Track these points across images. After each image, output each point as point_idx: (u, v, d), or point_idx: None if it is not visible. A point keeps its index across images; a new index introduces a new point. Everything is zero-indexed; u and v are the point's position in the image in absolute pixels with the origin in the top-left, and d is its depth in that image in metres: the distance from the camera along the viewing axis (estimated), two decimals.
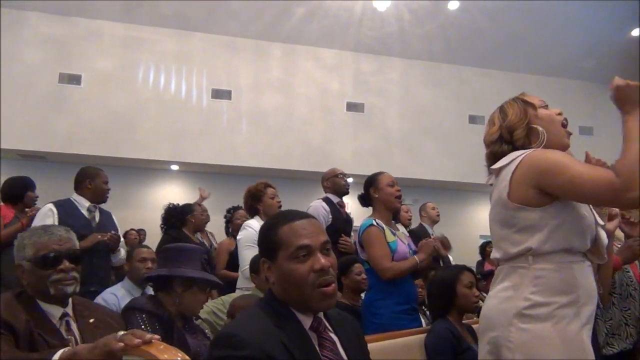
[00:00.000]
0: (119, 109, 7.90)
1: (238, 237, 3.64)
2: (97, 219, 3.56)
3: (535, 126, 1.73)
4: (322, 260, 1.37)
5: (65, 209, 3.41)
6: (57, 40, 7.85)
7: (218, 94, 8.39)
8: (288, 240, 1.39)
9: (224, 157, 8.20)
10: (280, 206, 3.70)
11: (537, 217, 1.60)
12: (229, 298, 3.10)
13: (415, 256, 2.87)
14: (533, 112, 1.77)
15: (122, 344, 1.39)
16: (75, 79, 7.85)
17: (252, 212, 3.75)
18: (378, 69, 9.17)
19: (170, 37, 8.31)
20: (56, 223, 3.20)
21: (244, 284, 3.45)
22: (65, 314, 1.85)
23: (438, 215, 5.41)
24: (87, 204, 3.53)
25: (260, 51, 8.67)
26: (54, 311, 1.83)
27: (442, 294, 2.56)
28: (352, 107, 8.94)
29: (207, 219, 4.92)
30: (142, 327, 2.05)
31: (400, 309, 2.80)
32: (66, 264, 1.84)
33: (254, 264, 3.08)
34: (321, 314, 1.45)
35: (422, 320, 3.34)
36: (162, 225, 4.67)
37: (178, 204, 4.74)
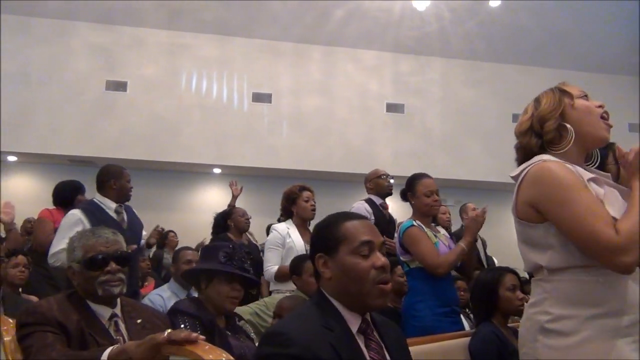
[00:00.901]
0: (163, 114, 8.08)
1: (266, 241, 3.70)
2: (125, 219, 3.51)
3: (565, 124, 1.59)
4: (382, 258, 1.41)
5: (94, 214, 3.34)
6: (104, 49, 8.11)
7: (259, 98, 8.48)
8: (352, 235, 1.42)
9: (265, 160, 8.28)
10: (314, 209, 3.69)
11: (541, 234, 1.52)
12: (271, 299, 3.14)
13: (460, 242, 2.81)
14: (569, 101, 1.62)
15: (166, 335, 1.44)
16: (121, 86, 8.08)
17: (287, 215, 3.76)
18: (418, 69, 9.08)
19: (211, 43, 8.45)
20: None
21: (274, 286, 3.49)
22: (114, 315, 1.90)
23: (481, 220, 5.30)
24: (113, 205, 3.46)
25: (299, 54, 8.72)
26: (103, 312, 1.89)
27: (484, 297, 2.51)
28: (392, 108, 8.88)
29: (248, 222, 4.97)
30: (185, 329, 2.09)
31: (441, 311, 2.76)
32: (113, 265, 1.90)
33: (295, 266, 3.11)
34: (368, 316, 1.46)
35: (466, 323, 3.30)
36: (212, 232, 4.83)
37: (222, 211, 4.89)
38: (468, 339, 2.44)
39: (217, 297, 2.26)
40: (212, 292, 2.26)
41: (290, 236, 3.51)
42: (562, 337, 1.45)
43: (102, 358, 1.55)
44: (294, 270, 3.11)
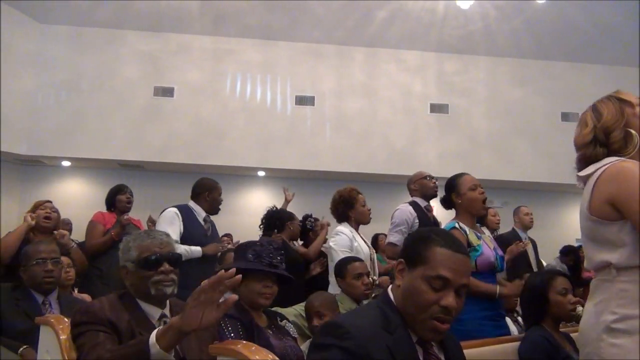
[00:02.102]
0: (209, 119, 8.23)
1: (330, 244, 3.64)
2: (210, 230, 3.76)
3: (630, 130, 1.60)
4: (451, 299, 1.35)
5: (187, 214, 3.62)
6: (151, 56, 8.33)
7: (302, 101, 8.53)
8: (434, 263, 1.37)
9: (308, 163, 8.32)
10: (370, 214, 3.69)
11: (615, 231, 1.51)
12: None
13: (498, 287, 2.71)
14: (630, 110, 1.63)
15: (206, 282, 1.49)
16: (168, 92, 8.28)
17: (341, 218, 3.72)
18: (462, 69, 8.94)
19: (255, 47, 8.56)
20: (181, 227, 3.44)
21: (336, 290, 3.44)
22: (163, 315, 1.95)
23: (531, 222, 5.16)
24: (203, 214, 3.73)
25: (342, 56, 8.73)
26: (154, 312, 1.93)
27: (533, 301, 2.43)
28: (436, 108, 8.77)
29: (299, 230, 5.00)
30: (225, 331, 2.11)
31: (484, 315, 2.69)
32: (166, 266, 1.94)
33: (339, 269, 3.10)
34: None
35: (514, 328, 3.22)
36: (261, 227, 4.77)
37: (278, 208, 4.87)
38: (517, 343, 2.37)
39: (249, 295, 2.29)
40: (245, 290, 2.29)
41: (355, 240, 3.49)
42: (629, 336, 1.45)
43: (150, 339, 1.58)
44: (338, 272, 3.11)
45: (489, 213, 4.85)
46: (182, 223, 3.53)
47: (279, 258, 2.39)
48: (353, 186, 3.77)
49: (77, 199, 8.23)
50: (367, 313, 1.43)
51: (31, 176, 8.46)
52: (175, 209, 3.63)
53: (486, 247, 2.80)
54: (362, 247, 3.45)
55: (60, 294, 2.76)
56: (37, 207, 3.73)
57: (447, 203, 3.00)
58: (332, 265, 3.49)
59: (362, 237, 3.67)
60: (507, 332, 2.89)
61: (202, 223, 3.69)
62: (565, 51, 8.74)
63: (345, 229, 3.58)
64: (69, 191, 8.55)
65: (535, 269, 4.85)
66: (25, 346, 2.27)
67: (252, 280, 2.30)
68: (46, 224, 3.63)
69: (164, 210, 3.75)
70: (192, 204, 3.78)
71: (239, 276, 1.52)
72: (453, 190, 2.92)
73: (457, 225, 2.80)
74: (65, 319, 1.98)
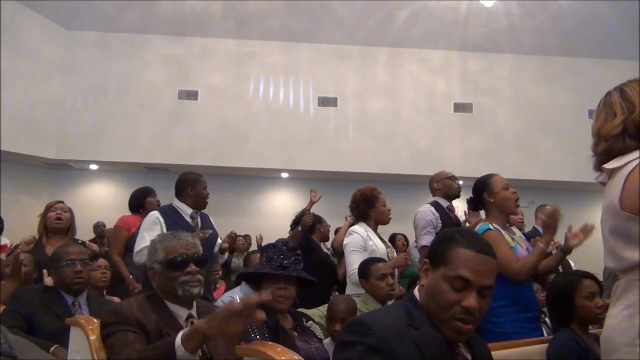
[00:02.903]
0: (233, 121, 8.30)
1: (344, 243, 3.64)
2: (199, 224, 3.63)
3: None
4: (472, 300, 1.34)
5: (170, 216, 3.50)
6: (176, 60, 8.43)
7: (324, 102, 8.54)
8: (456, 263, 1.37)
9: (332, 164, 8.32)
10: (390, 214, 3.67)
11: None
12: None
13: (538, 242, 2.65)
14: None
15: (239, 304, 1.50)
16: (192, 95, 8.37)
17: (362, 217, 3.70)
18: (486, 67, 8.85)
19: (277, 49, 8.60)
20: (164, 230, 3.32)
21: (353, 290, 3.41)
22: (190, 315, 1.96)
23: (557, 224, 5.07)
24: (189, 210, 3.60)
25: (365, 57, 8.71)
26: (181, 312, 1.95)
27: (559, 305, 2.36)
28: (460, 107, 8.69)
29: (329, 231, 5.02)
30: (252, 333, 2.12)
31: (522, 317, 2.63)
32: (192, 267, 1.96)
33: (363, 270, 3.09)
34: None
35: (543, 330, 3.15)
36: (291, 230, 4.84)
37: (310, 213, 4.93)
38: (545, 345, 2.32)
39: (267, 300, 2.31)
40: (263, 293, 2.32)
41: (371, 239, 3.47)
42: None
43: (176, 342, 1.60)
44: (362, 273, 3.10)
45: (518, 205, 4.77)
46: (164, 226, 3.38)
47: (293, 259, 2.37)
48: (375, 186, 3.74)
49: (104, 202, 8.37)
50: (391, 311, 1.44)
51: (59, 179, 8.64)
52: (156, 212, 3.53)
53: (520, 247, 2.74)
54: (379, 247, 3.42)
55: (90, 295, 2.80)
56: (48, 209, 3.71)
57: (475, 203, 2.95)
58: (348, 263, 3.49)
59: (379, 237, 3.65)
60: (543, 334, 2.82)
61: (189, 220, 3.57)
62: (591, 47, 8.59)
63: (359, 228, 3.56)
64: (96, 194, 8.70)
65: (560, 268, 4.76)
66: (56, 345, 2.31)
67: (267, 283, 2.31)
68: (58, 225, 3.63)
69: (147, 215, 3.67)
70: (176, 202, 3.65)
71: (269, 297, 1.56)
72: (484, 190, 2.87)
73: (491, 226, 2.75)
74: (95, 320, 2.01)
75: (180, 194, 3.68)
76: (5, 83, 7.29)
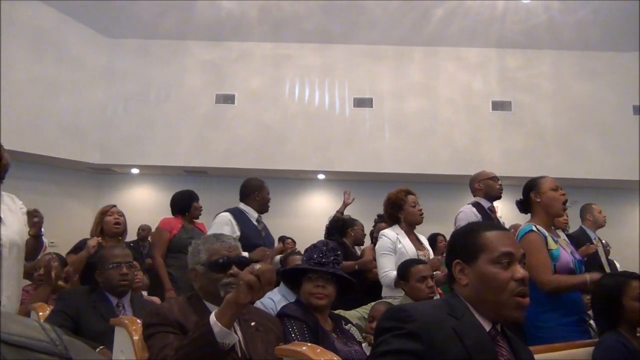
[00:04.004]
0: (270, 124, 8.37)
1: (376, 247, 3.66)
2: (264, 230, 3.80)
3: None
4: (522, 270, 1.40)
5: (240, 218, 3.66)
6: (213, 64, 8.57)
7: (360, 103, 8.53)
8: (493, 245, 1.43)
9: (368, 165, 8.29)
10: (422, 214, 3.63)
11: None
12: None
13: (588, 274, 2.56)
14: None
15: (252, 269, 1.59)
16: (229, 99, 8.48)
17: (392, 220, 3.70)
18: (525, 64, 8.66)
19: (313, 51, 8.64)
20: (236, 231, 3.49)
21: (387, 293, 3.42)
22: None
23: (604, 220, 4.93)
24: (255, 214, 3.77)
25: (400, 57, 8.66)
26: None
27: (607, 306, 2.28)
28: (499, 105, 8.54)
29: (364, 237, 5.04)
30: (292, 334, 2.14)
31: (568, 321, 2.55)
32: (234, 269, 1.99)
33: (403, 271, 3.08)
34: (498, 327, 1.44)
35: (590, 333, 3.07)
36: (326, 234, 4.93)
37: (343, 217, 5.01)
38: (590, 348, 2.25)
39: (304, 296, 2.34)
40: (302, 291, 2.34)
41: (400, 242, 3.46)
42: None
43: (211, 319, 1.66)
44: (402, 275, 3.09)
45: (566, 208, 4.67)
46: (237, 227, 3.55)
47: (332, 258, 2.39)
48: (404, 187, 3.71)
49: (146, 205, 8.57)
50: (432, 303, 1.51)
51: (104, 184, 8.89)
52: (228, 214, 3.66)
53: (563, 251, 2.67)
54: (408, 249, 3.41)
55: (133, 296, 2.87)
56: (104, 213, 3.83)
57: (523, 205, 2.89)
58: (379, 266, 3.51)
59: (418, 238, 3.63)
60: (590, 337, 2.74)
61: (256, 224, 3.72)
62: (635, 41, 8.30)
63: (390, 231, 3.55)
64: (138, 197, 8.91)
65: (607, 270, 4.62)
66: (101, 347, 2.38)
67: (306, 281, 2.34)
68: (117, 229, 3.76)
69: (216, 216, 3.78)
70: (242, 206, 3.79)
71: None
72: (532, 190, 2.81)
73: (534, 228, 2.68)
74: (138, 321, 2.07)
75: (246, 198, 3.84)
76: (52, 91, 7.56)
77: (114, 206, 3.93)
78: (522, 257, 1.45)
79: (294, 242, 7.25)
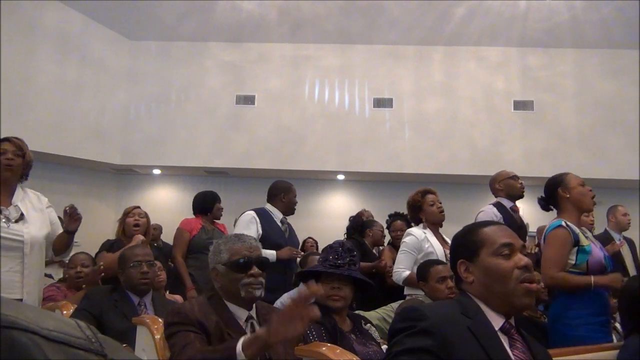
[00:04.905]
0: (289, 124, 8.39)
1: (402, 242, 3.66)
2: (287, 231, 3.86)
3: None
4: (525, 258, 1.44)
5: (264, 218, 3.74)
6: (233, 65, 8.61)
7: (379, 103, 8.50)
8: (491, 238, 1.48)
9: (388, 165, 8.26)
10: (442, 211, 3.61)
11: None
12: (397, 305, 3.12)
13: (593, 277, 2.55)
14: None
15: (291, 303, 1.57)
16: (249, 100, 8.52)
17: (415, 221, 3.71)
18: (548, 63, 8.54)
19: (333, 52, 8.63)
20: (259, 229, 3.57)
21: (408, 291, 3.44)
22: (250, 317, 2.00)
23: (629, 223, 4.84)
24: (280, 215, 3.84)
25: (420, 56, 8.61)
26: (241, 314, 2.00)
27: (632, 308, 2.24)
28: (520, 105, 8.43)
29: (384, 238, 5.03)
30: (310, 336, 2.14)
31: (596, 321, 2.52)
32: (255, 269, 2.00)
33: (422, 272, 3.06)
34: (512, 321, 1.45)
35: (612, 336, 3.02)
36: (346, 233, 4.98)
37: (363, 216, 5.05)
38: (615, 352, 2.22)
39: (321, 298, 2.32)
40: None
41: (428, 241, 3.45)
42: None
43: (237, 347, 1.64)
44: (421, 275, 3.07)
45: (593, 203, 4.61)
46: (260, 226, 3.63)
47: (348, 259, 2.37)
48: (423, 188, 3.71)
49: (167, 205, 8.65)
50: (444, 303, 1.53)
51: (125, 184, 9.00)
52: (253, 212, 3.75)
53: (595, 247, 2.65)
54: (436, 248, 3.40)
55: (154, 295, 2.90)
56: (126, 214, 3.89)
57: (546, 202, 2.85)
58: (396, 261, 3.53)
59: (443, 238, 3.62)
60: (612, 340, 2.71)
61: (280, 225, 3.79)
62: None
63: (417, 230, 3.55)
64: (159, 198, 9.00)
65: (633, 272, 4.54)
66: (124, 345, 2.41)
67: (323, 282, 2.34)
68: (136, 231, 3.79)
69: (242, 214, 3.85)
70: (268, 206, 3.87)
71: (322, 291, 1.59)
72: (559, 185, 2.77)
73: (563, 223, 2.65)
74: (160, 320, 2.09)
75: (273, 199, 3.92)
76: (74, 93, 7.67)
77: (137, 207, 3.98)
78: (523, 248, 1.49)
79: (315, 242, 7.25)
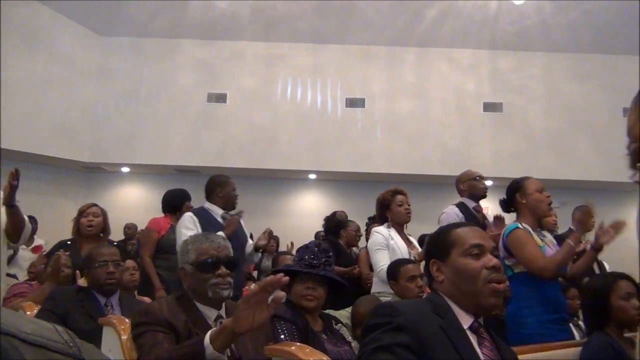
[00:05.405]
0: (262, 123, 8.36)
1: (368, 244, 3.68)
2: None
3: None
4: (494, 259, 1.46)
5: (203, 217, 3.60)
6: (205, 63, 8.54)
7: (352, 103, 8.53)
8: (462, 239, 1.50)
9: (360, 165, 8.30)
10: (408, 213, 3.64)
11: None
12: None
13: (568, 240, 2.65)
14: None
15: (255, 287, 1.57)
16: (221, 98, 8.46)
17: (382, 220, 3.73)
18: (517, 66, 8.70)
19: (306, 51, 8.63)
20: (199, 230, 3.41)
21: (380, 288, 3.44)
22: (219, 316, 1.98)
23: (593, 224, 4.97)
24: (220, 211, 3.69)
25: (393, 57, 8.67)
26: (210, 313, 1.98)
27: (594, 306, 2.31)
28: (490, 107, 8.57)
29: (359, 239, 5.04)
30: (281, 334, 2.14)
31: (549, 319, 2.61)
32: (223, 269, 1.98)
33: (392, 271, 3.09)
34: (481, 320, 1.48)
35: (576, 333, 3.10)
36: (322, 233, 4.96)
37: (338, 216, 5.05)
38: (578, 349, 2.27)
39: (295, 297, 2.33)
40: (292, 292, 2.34)
41: (392, 238, 3.49)
42: None
43: (205, 341, 1.63)
44: (391, 275, 3.09)
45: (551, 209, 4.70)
46: (198, 225, 3.49)
47: (324, 260, 2.37)
48: (393, 187, 3.75)
49: (136, 204, 8.53)
50: (416, 302, 1.57)
51: (94, 182, 8.83)
52: (190, 213, 3.65)
53: (549, 249, 2.73)
54: (400, 246, 3.44)
55: (122, 295, 2.85)
56: (81, 214, 3.71)
57: (507, 205, 2.93)
58: (374, 262, 3.54)
59: (407, 237, 3.66)
60: (572, 336, 2.79)
61: (221, 221, 3.64)
62: (627, 44, 8.35)
63: (382, 228, 3.60)
64: (128, 196, 8.87)
65: (597, 271, 4.65)
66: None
67: (296, 282, 2.33)
68: (89, 231, 3.64)
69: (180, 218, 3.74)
70: (207, 204, 3.75)
71: (287, 278, 1.57)
72: (518, 191, 2.85)
73: (520, 225, 2.73)
74: (126, 320, 2.05)
75: (210, 195, 3.78)
76: (42, 89, 7.50)
77: (93, 205, 3.78)
78: (493, 249, 1.51)
79: (276, 240, 7.24)
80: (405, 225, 3.69)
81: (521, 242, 2.66)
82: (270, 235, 3.82)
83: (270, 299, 1.55)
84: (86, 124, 8.12)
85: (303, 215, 8.67)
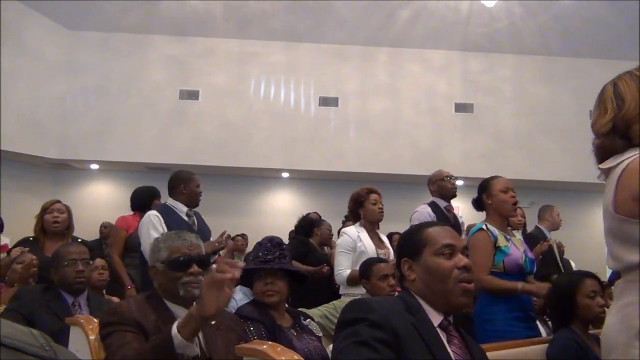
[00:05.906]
0: (234, 121, 8.30)
1: (337, 244, 3.69)
2: (196, 223, 3.62)
3: None
4: (465, 259, 1.49)
5: (167, 215, 3.49)
6: (177, 60, 8.44)
7: (325, 102, 8.54)
8: (434, 239, 1.52)
9: (333, 164, 8.32)
10: (381, 212, 3.67)
11: None
12: (340, 302, 3.15)
13: (520, 283, 2.67)
14: None
15: (213, 270, 1.56)
16: (193, 95, 8.37)
17: (355, 218, 3.74)
18: (488, 67, 8.84)
19: (279, 50, 8.59)
20: (165, 228, 3.32)
21: (344, 290, 3.49)
22: None
23: (561, 222, 5.11)
24: (184, 209, 3.58)
25: (366, 57, 8.71)
26: (181, 312, 1.95)
27: (561, 304, 2.38)
28: (461, 107, 8.68)
29: (331, 237, 5.07)
30: (250, 335, 2.14)
31: (515, 316, 2.67)
32: (195, 267, 1.96)
33: (364, 270, 3.11)
34: (451, 318, 1.50)
35: (542, 330, 3.17)
36: (293, 232, 4.97)
37: (311, 216, 5.07)
38: (545, 345, 2.33)
39: (257, 295, 2.36)
40: (254, 291, 2.39)
41: (361, 240, 3.51)
42: None
43: (172, 331, 1.61)
44: (363, 274, 3.11)
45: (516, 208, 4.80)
46: (164, 224, 3.37)
47: (278, 253, 2.39)
48: (368, 186, 3.77)
49: (106, 202, 8.39)
50: (389, 299, 1.58)
51: (62, 179, 8.64)
52: (153, 212, 3.53)
53: (514, 248, 2.78)
54: (368, 247, 3.47)
55: (90, 294, 2.81)
56: (44, 210, 3.64)
57: (478, 204, 2.99)
58: (335, 264, 3.57)
59: (379, 236, 3.69)
60: (538, 334, 2.85)
61: (186, 218, 3.55)
62: (594, 48, 8.57)
63: (351, 229, 3.62)
64: (98, 194, 8.72)
65: (562, 270, 4.77)
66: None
67: (256, 281, 2.35)
68: (55, 228, 3.59)
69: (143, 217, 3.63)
70: (170, 201, 3.63)
71: (242, 264, 1.61)
72: (484, 191, 2.91)
73: (484, 226, 2.78)
74: (95, 320, 2.02)
75: (173, 192, 3.65)
76: (8, 83, 7.29)
77: (57, 202, 3.71)
78: (464, 249, 1.53)
79: (245, 239, 7.23)
80: (377, 224, 3.72)
81: (475, 246, 2.72)
82: (227, 239, 3.72)
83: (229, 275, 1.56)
84: (54, 119, 7.94)
85: (276, 213, 8.66)
